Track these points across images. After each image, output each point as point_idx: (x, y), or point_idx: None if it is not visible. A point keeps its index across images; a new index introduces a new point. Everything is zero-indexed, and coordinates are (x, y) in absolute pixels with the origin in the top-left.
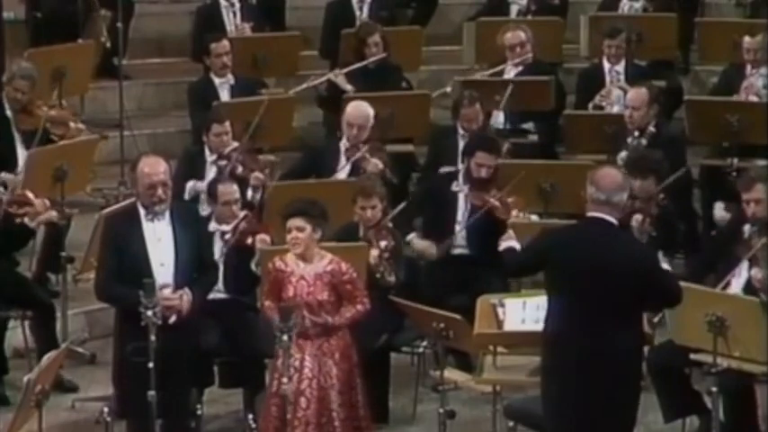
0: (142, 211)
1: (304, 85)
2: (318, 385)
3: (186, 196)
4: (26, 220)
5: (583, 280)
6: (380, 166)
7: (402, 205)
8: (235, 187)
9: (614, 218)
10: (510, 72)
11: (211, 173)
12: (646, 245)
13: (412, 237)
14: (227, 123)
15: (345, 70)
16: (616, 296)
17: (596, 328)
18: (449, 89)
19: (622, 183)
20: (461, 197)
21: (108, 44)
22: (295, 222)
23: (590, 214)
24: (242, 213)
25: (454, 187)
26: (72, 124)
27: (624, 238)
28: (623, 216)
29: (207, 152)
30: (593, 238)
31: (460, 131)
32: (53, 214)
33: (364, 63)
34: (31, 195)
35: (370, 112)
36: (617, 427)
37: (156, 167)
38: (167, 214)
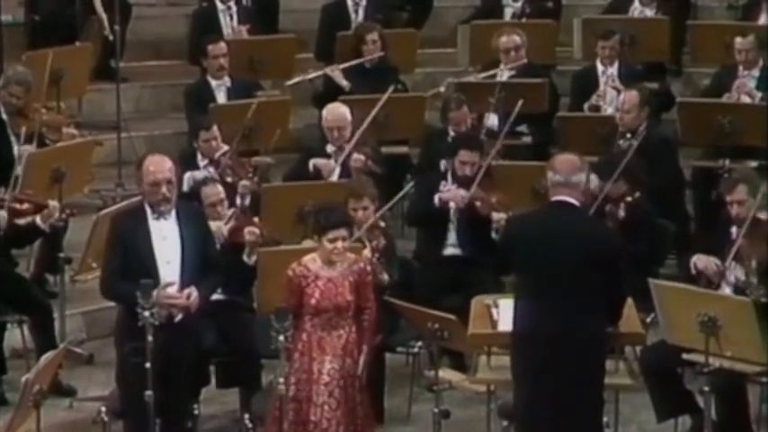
0: (149, 210)
1: (299, 78)
2: (344, 385)
3: (185, 187)
4: (38, 220)
5: (547, 264)
6: (362, 158)
7: (392, 201)
8: (219, 188)
9: (576, 199)
10: (503, 75)
11: (205, 172)
12: (609, 227)
13: (437, 196)
14: (215, 129)
15: (343, 66)
16: (583, 276)
17: (563, 313)
18: (442, 89)
19: (580, 165)
20: None
21: (111, 37)
22: (342, 233)
23: (552, 198)
24: (230, 212)
25: (443, 186)
26: (65, 129)
27: (587, 218)
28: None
29: (199, 156)
30: (556, 221)
31: (451, 133)
32: (60, 216)
33: (362, 60)
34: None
35: (345, 110)
36: (588, 411)
37: (161, 165)
38: (173, 213)
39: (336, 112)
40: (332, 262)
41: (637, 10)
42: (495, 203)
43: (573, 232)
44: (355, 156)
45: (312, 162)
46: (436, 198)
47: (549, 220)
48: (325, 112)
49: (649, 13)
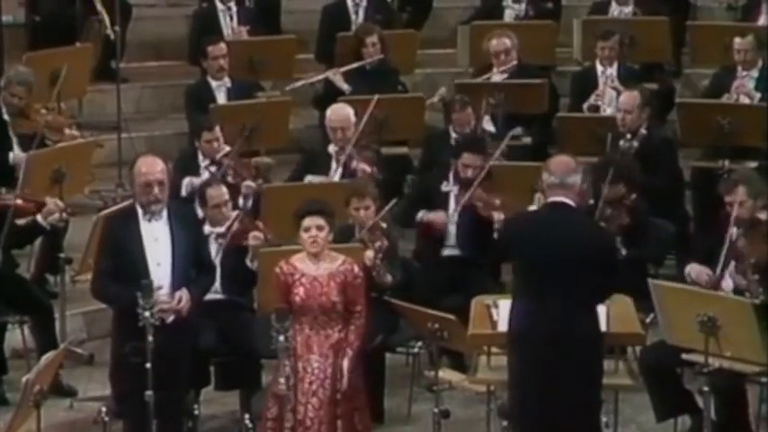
0: (140, 211)
1: (300, 82)
2: (331, 385)
3: (183, 192)
4: (38, 218)
5: (544, 265)
6: (367, 169)
7: (391, 203)
8: (223, 189)
9: (571, 200)
10: (497, 79)
11: (204, 176)
12: (604, 229)
13: (422, 214)
14: (217, 129)
15: (343, 69)
16: (579, 277)
17: (561, 313)
18: (436, 99)
19: (575, 166)
20: (452, 197)
21: (112, 36)
22: (315, 221)
23: (549, 200)
24: (234, 214)
25: (444, 187)
26: (67, 130)
27: (583, 219)
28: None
29: (200, 157)
30: (552, 221)
31: (453, 135)
32: (61, 216)
33: (362, 63)
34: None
35: (350, 111)
36: (586, 411)
37: (152, 166)
38: (165, 214)
39: (341, 112)
40: (315, 257)
41: (615, 10)
42: (498, 205)
43: (569, 233)
44: (361, 166)
45: (308, 179)
46: (419, 215)
47: (545, 221)
48: (329, 111)
49: (627, 11)
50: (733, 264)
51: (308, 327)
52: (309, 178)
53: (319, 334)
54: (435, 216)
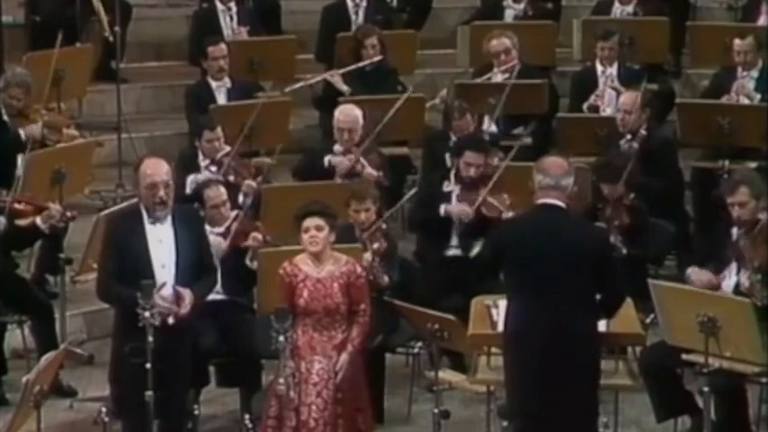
0: (144, 213)
1: (299, 84)
2: (334, 386)
3: (188, 190)
4: (38, 220)
5: (540, 267)
6: (373, 174)
7: (393, 209)
8: (222, 190)
9: (563, 202)
10: (497, 78)
11: (208, 173)
12: (599, 228)
13: (443, 207)
14: (219, 130)
15: (342, 71)
16: (577, 278)
17: (557, 314)
18: (437, 100)
19: (568, 168)
20: (454, 197)
21: (111, 38)
22: (314, 221)
23: (540, 201)
24: (233, 214)
25: (446, 187)
26: (66, 130)
27: (576, 221)
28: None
29: (200, 156)
30: (545, 224)
31: (453, 139)
32: (61, 218)
33: (361, 65)
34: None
35: (358, 113)
36: (582, 412)
37: (157, 168)
38: (169, 216)
39: (350, 113)
40: (318, 258)
41: (618, 10)
42: (508, 204)
43: (565, 234)
44: (368, 170)
45: (328, 158)
46: (442, 209)
47: (540, 223)
48: (337, 112)
49: (629, 10)
50: (735, 265)
51: (311, 328)
52: (328, 158)
53: (323, 335)
54: (459, 209)
